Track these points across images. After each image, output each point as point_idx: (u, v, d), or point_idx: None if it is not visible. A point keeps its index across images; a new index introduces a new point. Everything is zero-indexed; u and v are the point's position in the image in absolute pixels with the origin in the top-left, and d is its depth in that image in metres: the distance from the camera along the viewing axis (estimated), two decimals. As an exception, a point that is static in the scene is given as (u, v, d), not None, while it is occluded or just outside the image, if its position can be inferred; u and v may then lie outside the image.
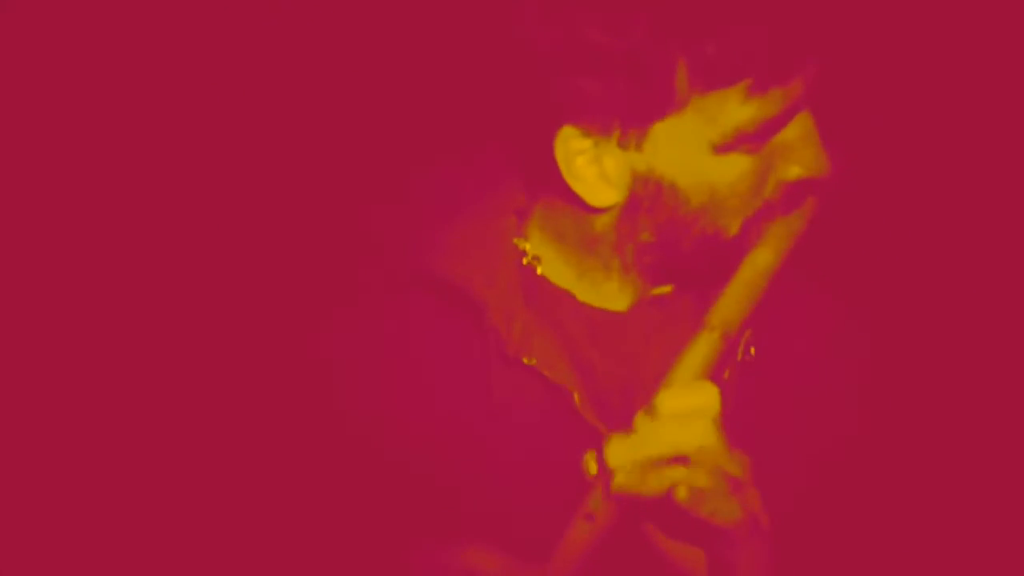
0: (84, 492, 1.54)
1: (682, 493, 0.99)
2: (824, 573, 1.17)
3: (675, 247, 1.17)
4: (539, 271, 1.23)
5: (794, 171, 1.15)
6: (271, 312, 1.31)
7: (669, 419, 1.03)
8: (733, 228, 1.15)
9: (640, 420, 1.04)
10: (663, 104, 1.10)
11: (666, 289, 1.22)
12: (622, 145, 1.13)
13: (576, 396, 1.17)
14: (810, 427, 1.21)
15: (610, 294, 1.22)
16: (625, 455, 1.02)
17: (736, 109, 1.10)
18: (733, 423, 1.13)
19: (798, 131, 1.14)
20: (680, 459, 1.02)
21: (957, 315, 1.41)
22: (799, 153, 1.14)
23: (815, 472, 1.19)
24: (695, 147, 1.12)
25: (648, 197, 1.14)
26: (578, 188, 1.15)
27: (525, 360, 1.18)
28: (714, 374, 1.14)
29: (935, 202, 1.52)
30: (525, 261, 1.23)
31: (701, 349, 1.10)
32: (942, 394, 1.28)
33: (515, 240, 1.24)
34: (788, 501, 1.13)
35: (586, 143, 1.13)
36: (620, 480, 1.00)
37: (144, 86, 1.63)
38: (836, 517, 1.19)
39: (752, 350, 1.20)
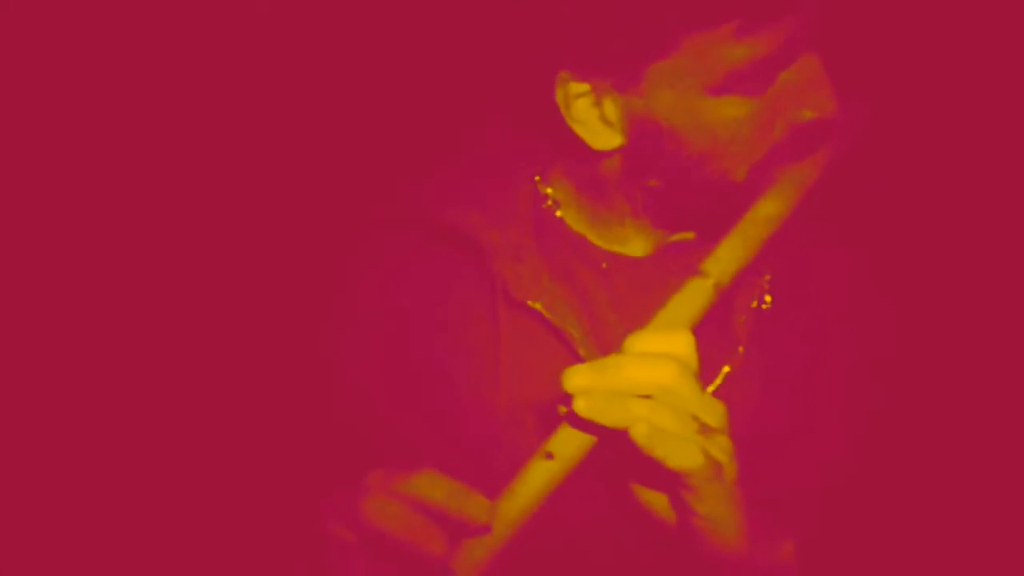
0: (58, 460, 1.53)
1: (639, 430, 0.96)
2: (836, 534, 1.14)
3: (684, 192, 1.14)
4: (558, 214, 1.22)
5: (806, 114, 1.12)
6: (282, 261, 1.30)
7: (635, 356, 1.00)
8: (740, 174, 1.12)
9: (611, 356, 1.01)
10: (657, 46, 1.08)
11: (688, 235, 1.20)
12: (619, 88, 1.11)
13: (579, 341, 1.16)
14: (822, 381, 1.18)
15: (626, 240, 1.21)
16: (582, 381, 0.99)
17: (727, 49, 1.07)
18: (743, 372, 1.15)
19: (804, 74, 1.11)
20: (644, 398, 0.98)
21: (982, 271, 1.34)
22: (808, 96, 1.11)
23: (824, 428, 1.16)
24: (691, 89, 1.09)
25: (649, 140, 1.12)
26: (580, 131, 1.14)
27: (530, 303, 1.16)
28: (728, 321, 1.14)
29: (962, 152, 1.46)
30: (545, 205, 1.23)
31: (688, 296, 1.07)
32: (963, 355, 1.23)
33: (538, 184, 1.23)
34: (795, 456, 1.12)
35: (584, 86, 1.12)
36: (580, 406, 0.97)
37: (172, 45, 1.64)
38: (843, 469, 1.15)
39: (768, 298, 1.18)
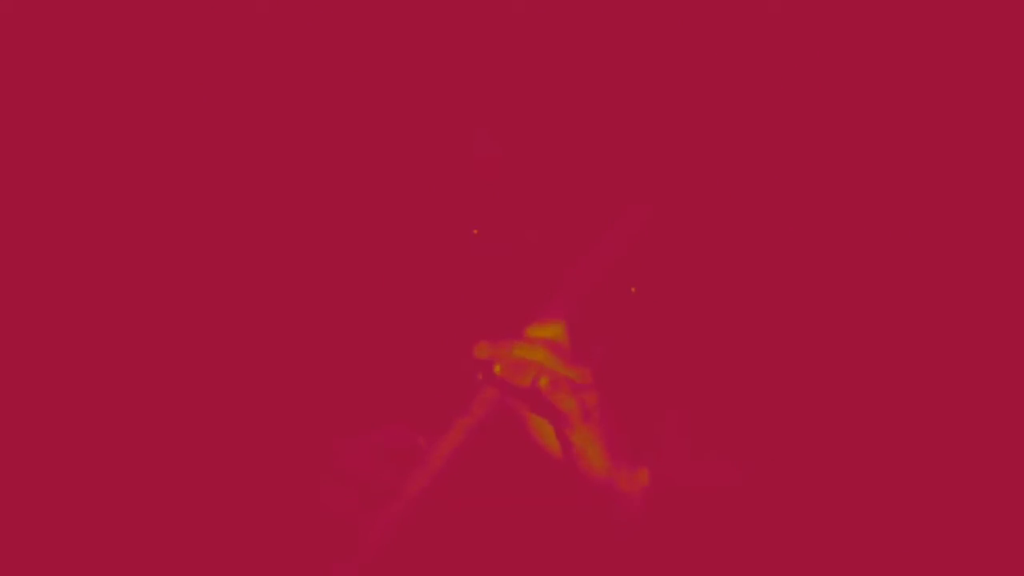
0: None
1: (544, 382, 1.39)
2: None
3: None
4: None
5: None
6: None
7: (523, 341, 1.42)
8: None
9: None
10: None
11: None
12: None
13: None
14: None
15: None
16: (488, 354, 1.41)
17: None
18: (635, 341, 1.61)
19: None
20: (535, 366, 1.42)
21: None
22: None
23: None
24: None
25: None
26: None
27: None
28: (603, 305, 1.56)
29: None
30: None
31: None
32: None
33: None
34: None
35: None
36: (498, 368, 1.40)
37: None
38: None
39: (633, 289, 1.61)
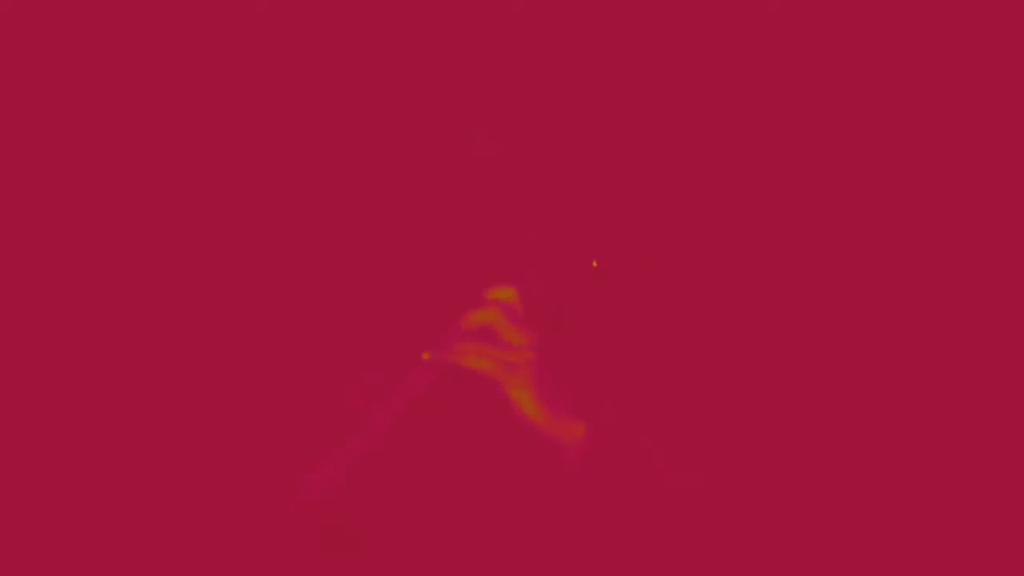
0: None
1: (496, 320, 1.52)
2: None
3: None
4: None
5: None
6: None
7: (482, 305, 1.53)
8: None
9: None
10: None
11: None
12: None
13: None
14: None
15: None
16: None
17: None
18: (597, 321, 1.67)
19: None
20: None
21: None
22: None
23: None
24: None
25: None
26: None
27: None
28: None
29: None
30: None
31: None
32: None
33: None
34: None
35: None
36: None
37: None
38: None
39: (595, 263, 1.62)
